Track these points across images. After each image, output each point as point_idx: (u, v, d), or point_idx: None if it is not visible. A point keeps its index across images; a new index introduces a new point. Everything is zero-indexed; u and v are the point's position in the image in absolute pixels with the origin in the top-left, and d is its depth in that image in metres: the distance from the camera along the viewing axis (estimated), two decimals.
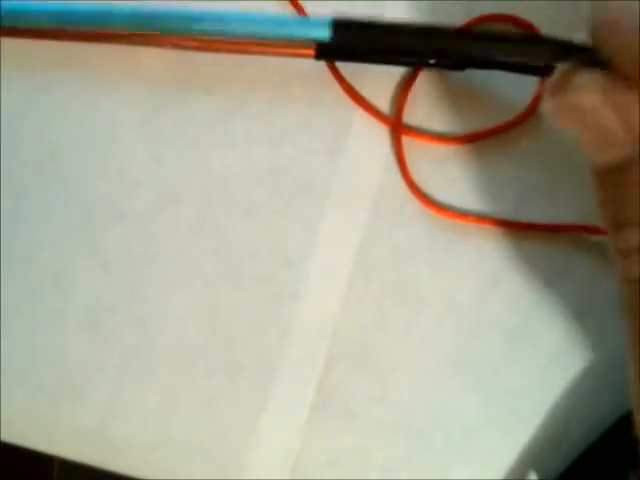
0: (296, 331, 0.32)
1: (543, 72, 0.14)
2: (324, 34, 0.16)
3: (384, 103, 0.32)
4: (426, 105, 0.31)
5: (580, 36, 0.14)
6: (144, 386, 0.33)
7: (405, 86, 0.31)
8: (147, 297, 0.33)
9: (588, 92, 0.13)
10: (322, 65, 0.31)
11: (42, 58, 0.32)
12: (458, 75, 0.30)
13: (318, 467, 0.33)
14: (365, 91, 0.31)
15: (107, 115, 0.32)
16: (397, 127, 0.31)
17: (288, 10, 0.31)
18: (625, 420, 0.30)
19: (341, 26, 0.16)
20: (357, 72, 0.31)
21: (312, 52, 0.29)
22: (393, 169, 0.32)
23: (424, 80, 0.31)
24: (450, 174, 0.31)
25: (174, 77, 0.32)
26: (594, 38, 0.14)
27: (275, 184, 0.32)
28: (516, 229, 0.31)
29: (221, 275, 0.32)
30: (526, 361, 0.32)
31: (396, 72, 0.31)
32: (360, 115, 0.32)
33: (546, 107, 0.14)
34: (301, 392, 0.33)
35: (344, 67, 0.31)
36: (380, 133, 0.32)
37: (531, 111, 0.30)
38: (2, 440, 0.34)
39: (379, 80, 0.31)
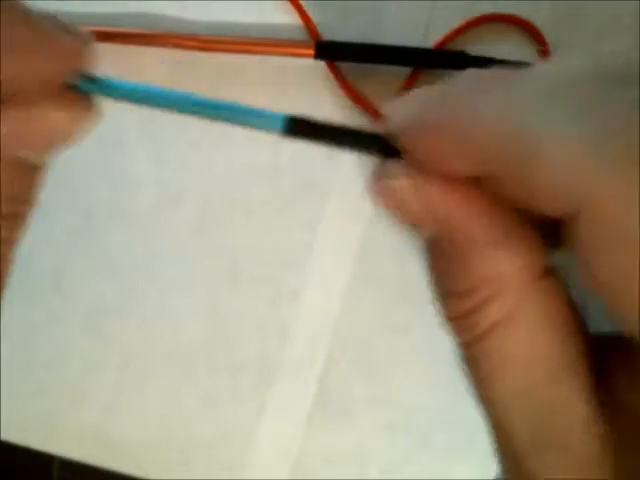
0: (296, 331, 0.32)
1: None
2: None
3: (384, 103, 0.32)
4: None
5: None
6: (144, 386, 0.33)
7: (405, 86, 0.31)
8: (147, 297, 0.33)
9: (396, 178, 0.15)
10: (322, 65, 0.31)
11: None
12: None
13: (318, 467, 0.33)
14: (365, 91, 0.31)
15: (108, 115, 0.32)
16: None
17: (288, 10, 0.31)
18: None
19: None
20: (357, 72, 0.31)
21: (312, 52, 0.29)
22: None
23: (424, 80, 0.31)
24: None
25: (174, 77, 0.32)
26: (393, 135, 0.16)
27: (275, 184, 0.32)
28: None
29: (221, 275, 0.32)
30: None
31: (396, 72, 0.31)
32: (360, 115, 0.32)
33: (370, 192, 0.16)
34: (301, 392, 0.33)
35: (344, 67, 0.31)
36: None
37: None
38: (2, 440, 0.34)
39: (379, 80, 0.31)
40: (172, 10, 0.31)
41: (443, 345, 0.33)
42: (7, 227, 0.17)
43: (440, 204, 0.15)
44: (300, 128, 0.16)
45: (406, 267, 0.32)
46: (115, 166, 0.32)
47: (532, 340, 0.14)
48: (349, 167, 0.32)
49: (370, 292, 0.32)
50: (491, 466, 0.32)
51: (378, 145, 0.16)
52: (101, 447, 0.34)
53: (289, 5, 0.31)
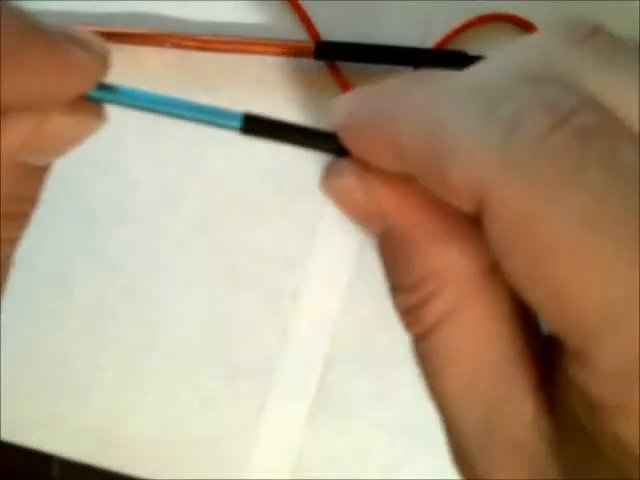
0: (296, 331, 0.32)
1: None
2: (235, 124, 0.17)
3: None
4: None
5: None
6: (144, 386, 0.33)
7: None
8: (147, 297, 0.33)
9: (343, 175, 0.16)
10: (322, 65, 0.31)
11: None
12: None
13: (318, 467, 0.33)
14: None
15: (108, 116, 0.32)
16: None
17: (288, 10, 0.31)
18: None
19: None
20: (357, 72, 0.31)
21: (312, 52, 0.29)
22: None
23: None
24: None
25: (174, 77, 0.32)
26: (340, 134, 0.16)
27: (275, 184, 0.32)
28: None
29: (221, 275, 0.32)
30: None
31: (396, 72, 0.31)
32: None
33: (320, 189, 0.16)
34: (301, 392, 0.33)
35: (344, 67, 0.31)
36: None
37: None
38: (2, 440, 0.34)
39: (379, 80, 0.31)
40: (171, 9, 0.31)
41: None
42: (12, 227, 0.17)
43: (381, 201, 0.15)
44: (257, 126, 0.16)
45: None
46: (115, 166, 0.32)
47: (477, 334, 0.14)
48: None
49: (370, 292, 0.32)
50: None
51: (334, 143, 0.16)
52: (101, 447, 0.34)
53: (289, 5, 0.31)
